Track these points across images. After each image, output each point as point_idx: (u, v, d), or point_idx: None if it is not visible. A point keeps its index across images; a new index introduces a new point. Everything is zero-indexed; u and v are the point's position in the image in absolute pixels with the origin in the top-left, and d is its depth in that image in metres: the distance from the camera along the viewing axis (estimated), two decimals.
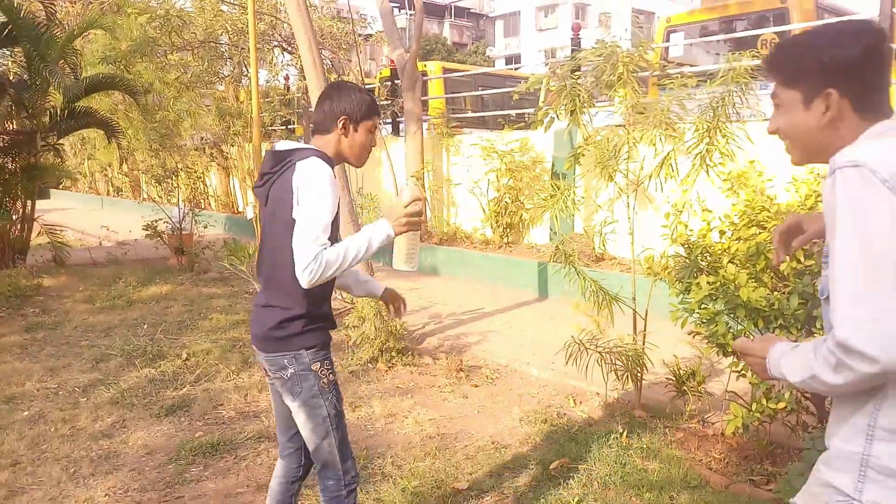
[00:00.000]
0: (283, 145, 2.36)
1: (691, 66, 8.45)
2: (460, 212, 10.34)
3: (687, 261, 3.48)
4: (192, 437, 4.07)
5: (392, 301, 2.83)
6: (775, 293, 3.07)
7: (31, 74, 9.07)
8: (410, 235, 2.43)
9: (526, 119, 10.74)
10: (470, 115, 12.86)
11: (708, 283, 3.13)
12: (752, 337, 3.23)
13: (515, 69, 25.10)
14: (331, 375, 2.37)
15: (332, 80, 9.86)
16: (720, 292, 3.09)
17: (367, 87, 11.87)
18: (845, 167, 1.32)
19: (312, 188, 2.19)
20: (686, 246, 3.59)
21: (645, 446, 3.86)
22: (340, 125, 2.35)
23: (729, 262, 3.34)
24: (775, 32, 8.36)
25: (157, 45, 10.16)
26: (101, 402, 4.61)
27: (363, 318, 5.46)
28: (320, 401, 2.33)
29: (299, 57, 11.59)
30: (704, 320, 3.31)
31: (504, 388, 4.97)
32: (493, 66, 36.90)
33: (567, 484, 3.49)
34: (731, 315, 3.16)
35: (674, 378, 4.27)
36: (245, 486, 3.54)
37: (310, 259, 2.10)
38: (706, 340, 3.34)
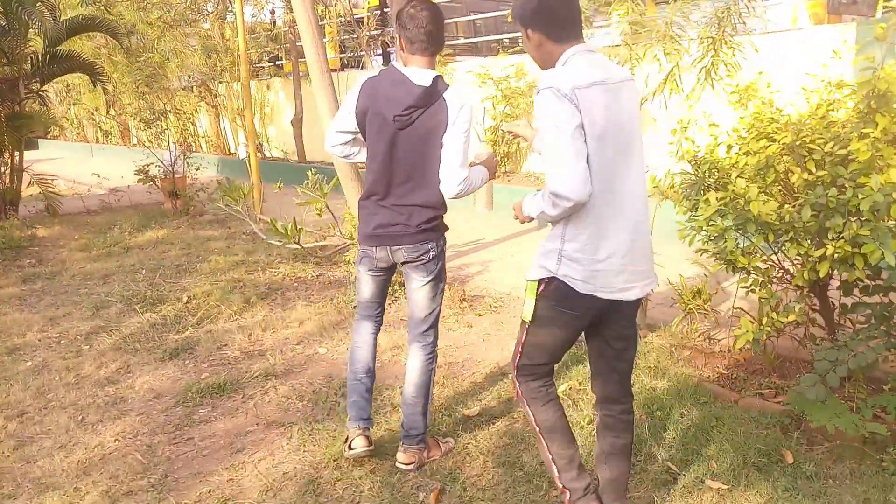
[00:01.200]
0: (416, 76, 2.80)
1: None
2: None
3: (694, 178, 3.38)
4: (199, 379, 4.05)
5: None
6: (786, 206, 2.98)
7: (9, 19, 8.75)
8: (489, 185, 3.05)
9: (520, 43, 10.44)
10: (462, 41, 12.51)
11: (717, 198, 3.03)
12: (753, 251, 3.17)
13: None
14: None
15: (318, 11, 9.51)
16: (729, 208, 3.00)
17: (355, 17, 11.54)
18: (543, 89, 2.14)
19: (461, 118, 2.78)
20: (693, 162, 3.49)
21: (653, 365, 3.84)
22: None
23: (738, 176, 3.24)
24: None
25: None
26: (104, 348, 4.58)
27: None
28: (444, 275, 3.06)
29: None
30: (712, 237, 3.23)
31: (508, 316, 4.94)
32: None
33: (577, 406, 3.48)
34: (741, 230, 3.08)
35: (680, 297, 4.23)
36: (255, 423, 3.53)
37: (462, 178, 2.77)
38: (714, 258, 3.27)
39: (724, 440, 3.04)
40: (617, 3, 4.10)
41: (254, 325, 4.85)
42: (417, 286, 2.99)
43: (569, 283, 2.25)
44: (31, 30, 9.00)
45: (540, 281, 2.32)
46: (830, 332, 3.45)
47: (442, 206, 2.93)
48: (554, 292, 2.30)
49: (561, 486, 2.49)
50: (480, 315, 4.96)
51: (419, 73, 2.80)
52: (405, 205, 2.89)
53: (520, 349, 2.48)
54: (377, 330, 3.28)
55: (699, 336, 4.17)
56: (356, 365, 3.20)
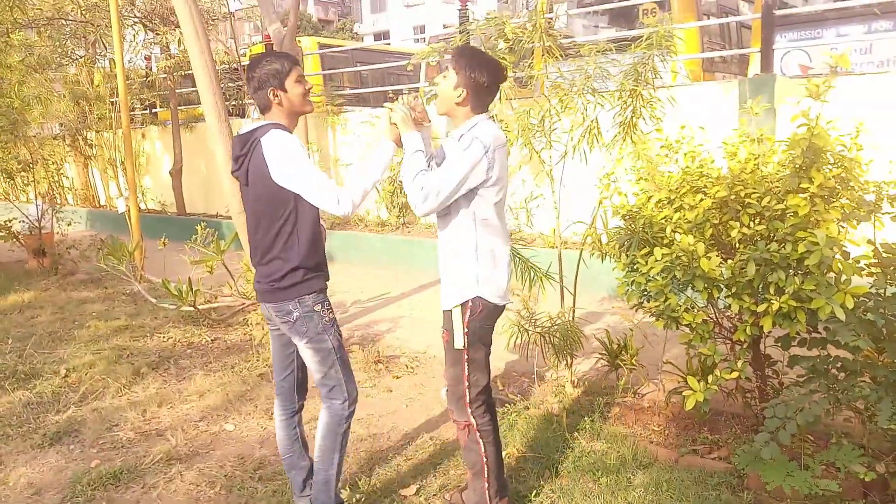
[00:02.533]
0: (245, 128, 2.70)
1: (570, 38, 8.43)
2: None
3: (630, 233, 3.33)
4: (88, 468, 3.53)
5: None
6: (728, 261, 2.97)
7: None
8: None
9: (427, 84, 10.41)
10: (350, 91, 12.37)
11: (662, 255, 2.98)
12: (692, 307, 3.14)
13: (388, 45, 24.62)
14: (331, 314, 2.77)
15: None
16: (675, 264, 2.95)
17: (241, 64, 11.15)
18: (475, 139, 2.54)
19: (288, 157, 2.55)
20: (626, 217, 3.44)
21: (587, 427, 3.72)
22: (272, 96, 2.67)
23: (673, 231, 3.21)
24: (654, 2, 8.49)
25: None
26: None
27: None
28: (325, 336, 2.72)
29: (162, 35, 10.71)
30: (652, 294, 3.17)
31: (427, 377, 4.71)
32: (363, 42, 36.11)
33: (519, 476, 3.28)
34: (683, 287, 3.04)
35: (606, 352, 4.17)
36: None
37: (334, 198, 2.53)
38: (654, 315, 3.21)
39: None
40: (537, 57, 4.08)
41: (147, 400, 4.34)
42: (301, 349, 2.78)
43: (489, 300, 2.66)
44: None
45: (463, 304, 2.66)
46: (762, 385, 3.46)
47: (295, 259, 2.67)
48: (482, 314, 2.68)
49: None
50: (398, 377, 4.69)
51: (247, 125, 2.73)
52: (263, 261, 2.73)
53: (466, 383, 2.72)
54: (290, 410, 3.01)
55: (627, 393, 4.10)
56: (279, 446, 3.05)
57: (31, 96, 11.13)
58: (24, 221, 8.55)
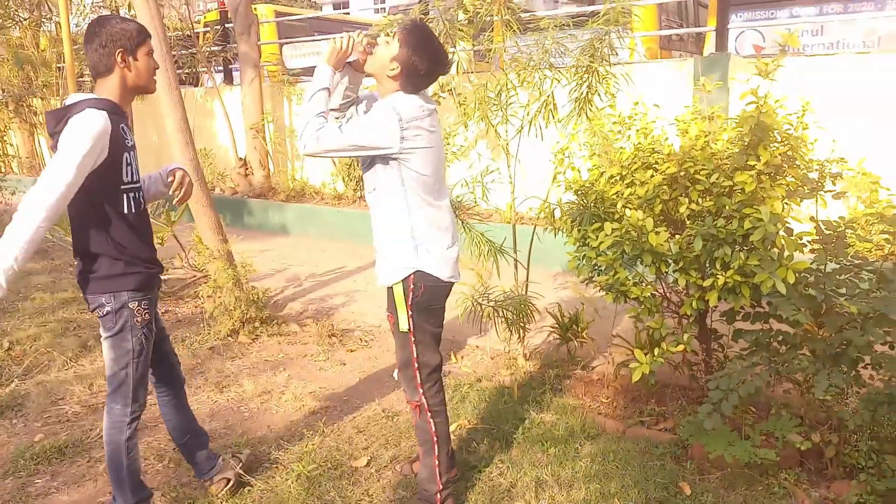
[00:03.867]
0: (68, 100, 2.43)
1: (530, 12, 8.40)
2: (307, 166, 9.78)
3: (582, 208, 3.35)
4: (32, 442, 3.45)
5: (177, 181, 2.78)
6: (676, 237, 3.01)
7: None
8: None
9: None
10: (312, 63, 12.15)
11: (612, 229, 3.01)
12: (641, 282, 3.19)
13: (346, 14, 24.25)
14: (146, 315, 2.58)
15: None
16: (625, 239, 2.98)
17: (196, 31, 10.86)
18: (390, 105, 2.48)
19: (64, 146, 2.27)
20: (579, 192, 3.47)
21: (537, 399, 3.77)
22: (120, 59, 2.44)
23: (623, 206, 3.25)
24: None
25: None
26: None
27: (219, 287, 4.93)
28: (128, 335, 2.54)
29: None
30: (602, 268, 3.21)
31: (381, 350, 4.71)
32: (321, 11, 35.44)
33: (470, 447, 3.32)
34: (636, 261, 3.08)
35: (558, 326, 4.22)
36: (106, 492, 3.04)
37: (32, 197, 2.22)
38: (604, 289, 3.25)
39: (623, 475, 3.00)
40: (496, 31, 4.06)
41: (94, 374, 4.26)
42: (103, 341, 2.58)
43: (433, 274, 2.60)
44: None
45: (405, 280, 2.60)
46: (707, 358, 3.54)
47: (108, 251, 2.46)
48: (424, 293, 2.62)
49: (441, 486, 2.79)
50: (352, 351, 4.69)
51: (72, 97, 2.47)
52: (77, 250, 2.52)
53: (416, 364, 2.70)
54: (168, 390, 2.92)
55: (577, 366, 4.17)
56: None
57: None
58: None
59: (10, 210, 8.35)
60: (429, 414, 2.75)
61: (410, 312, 2.62)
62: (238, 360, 4.51)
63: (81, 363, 4.44)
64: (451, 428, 3.44)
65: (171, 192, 2.78)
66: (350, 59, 2.56)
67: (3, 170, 12.05)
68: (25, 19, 11.74)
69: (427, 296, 2.62)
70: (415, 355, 2.68)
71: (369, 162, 2.57)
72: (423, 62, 2.48)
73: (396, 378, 3.26)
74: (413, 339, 2.66)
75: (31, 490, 3.08)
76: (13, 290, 6.10)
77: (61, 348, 4.61)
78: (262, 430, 3.59)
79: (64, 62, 8.73)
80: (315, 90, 2.49)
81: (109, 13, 10.89)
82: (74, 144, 2.27)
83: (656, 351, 3.05)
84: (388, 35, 2.59)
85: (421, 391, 2.72)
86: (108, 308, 2.50)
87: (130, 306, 2.52)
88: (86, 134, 2.29)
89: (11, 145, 12.96)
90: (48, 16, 11.93)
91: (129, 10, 9.90)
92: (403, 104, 2.47)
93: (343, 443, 3.40)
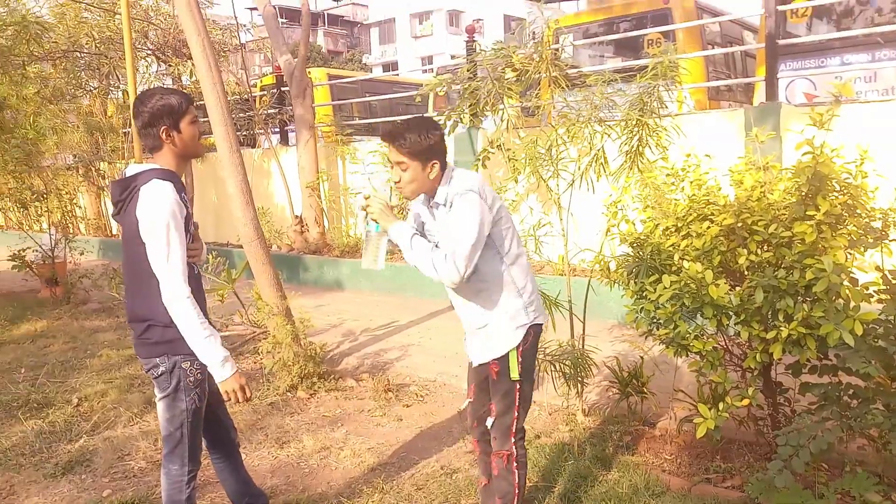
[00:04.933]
0: (130, 170, 2.55)
1: (578, 68, 8.52)
2: (360, 222, 9.96)
3: (638, 260, 3.35)
4: (100, 498, 3.54)
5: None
6: (736, 289, 2.98)
7: None
8: (378, 238, 2.72)
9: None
10: (359, 121, 12.51)
11: (671, 282, 3.00)
12: (702, 335, 3.14)
13: (396, 76, 24.95)
14: (198, 375, 2.62)
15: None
16: (684, 292, 2.96)
17: (253, 94, 11.30)
18: (467, 191, 2.53)
19: (154, 224, 2.41)
20: (634, 245, 3.46)
21: (598, 455, 3.71)
22: (164, 136, 2.53)
23: (681, 258, 3.24)
24: (660, 32, 8.59)
25: (12, 55, 9.16)
26: None
27: (278, 343, 5.03)
28: (182, 395, 2.59)
29: (174, 66, 10.88)
30: (661, 321, 3.18)
31: (437, 406, 4.71)
32: (371, 72, 36.55)
33: None
34: (693, 314, 3.05)
35: (617, 380, 4.17)
36: None
37: (178, 303, 2.44)
38: (664, 342, 3.21)
39: None
40: (544, 87, 4.14)
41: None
42: (158, 402, 2.67)
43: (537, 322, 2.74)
44: None
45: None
46: (774, 412, 3.45)
47: (164, 317, 2.51)
48: (532, 339, 2.73)
49: None
50: (408, 406, 4.70)
51: (132, 167, 2.58)
52: (133, 315, 2.62)
53: (516, 413, 2.72)
54: (221, 454, 3.00)
55: (638, 421, 4.09)
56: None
57: (46, 127, 11.30)
58: (37, 251, 8.64)
59: (79, 270, 8.71)
60: (514, 464, 2.76)
61: (520, 359, 2.68)
62: (297, 416, 4.56)
63: (146, 419, 4.55)
64: None
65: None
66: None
67: (72, 231, 12.59)
68: (95, 88, 12.41)
69: (534, 341, 2.75)
70: (517, 403, 2.71)
71: None
72: (433, 135, 2.55)
73: (468, 424, 3.13)
74: (518, 386, 2.70)
75: None
76: (81, 349, 6.33)
77: (127, 404, 4.74)
78: (322, 486, 3.60)
79: (130, 127, 9.17)
80: (409, 242, 2.59)
81: (159, 86, 11.46)
82: (162, 219, 2.41)
83: (720, 406, 2.98)
84: (395, 170, 2.59)
85: (513, 440, 2.74)
86: (161, 369, 2.57)
87: (183, 366, 2.58)
88: (166, 204, 2.43)
89: (80, 207, 13.57)
90: (116, 84, 12.59)
91: (191, 77, 10.39)
92: (465, 179, 2.58)
93: (402, 500, 3.39)
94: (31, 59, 10.25)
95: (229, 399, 2.58)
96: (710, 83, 8.81)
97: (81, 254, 9.18)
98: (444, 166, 2.62)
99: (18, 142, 9.44)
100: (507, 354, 2.67)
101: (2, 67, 9.63)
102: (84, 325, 7.29)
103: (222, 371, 2.52)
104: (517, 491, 2.77)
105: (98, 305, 8.08)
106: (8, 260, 8.62)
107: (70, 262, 9.08)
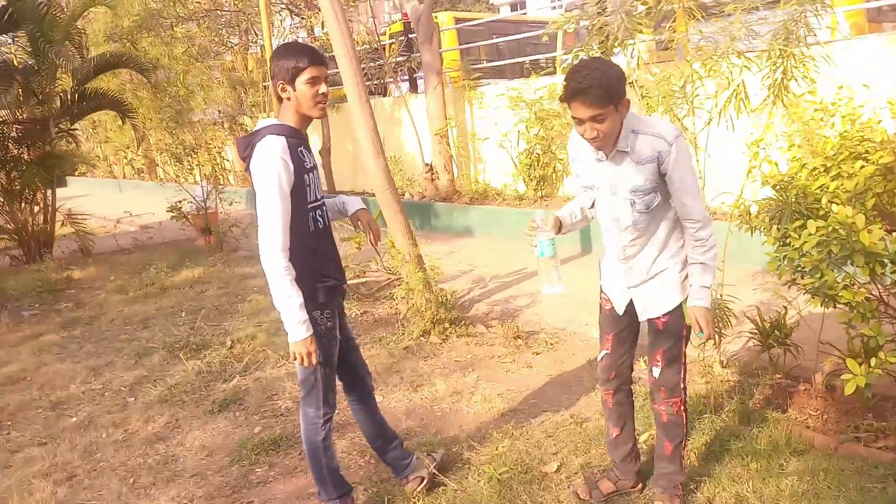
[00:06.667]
0: (258, 124, 2.64)
1: None
2: (488, 168, 9.96)
3: (781, 204, 3.12)
4: (252, 434, 3.85)
5: (364, 224, 3.00)
6: (893, 234, 2.72)
7: (38, 59, 8.75)
8: (549, 262, 2.84)
9: (543, 65, 10.25)
10: (486, 64, 12.36)
11: (817, 228, 2.78)
12: (852, 284, 2.91)
13: (524, 15, 24.31)
14: (328, 323, 2.74)
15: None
16: (832, 238, 2.74)
17: (382, 43, 11.42)
18: (678, 137, 2.45)
19: (260, 181, 2.51)
20: (778, 187, 3.23)
21: (735, 408, 3.57)
22: (282, 90, 2.60)
23: (829, 202, 2.99)
24: None
25: (161, 17, 9.75)
26: (150, 401, 4.40)
27: (412, 289, 5.17)
28: (320, 345, 2.67)
29: (307, 19, 11.18)
30: (807, 270, 2.97)
31: (567, 354, 4.70)
32: (499, 13, 35.87)
33: None
34: (841, 262, 2.82)
35: (758, 331, 3.96)
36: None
37: (268, 260, 2.53)
38: (810, 292, 3.00)
39: (837, 498, 2.76)
40: (679, 19, 3.89)
41: None
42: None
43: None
44: (59, 69, 8.99)
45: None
46: None
47: (296, 270, 2.59)
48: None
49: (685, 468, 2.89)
50: (538, 353, 4.71)
51: (261, 121, 2.66)
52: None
53: (684, 359, 2.75)
54: (356, 397, 3.12)
55: (780, 374, 3.88)
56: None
57: (195, 84, 12.03)
58: (191, 202, 9.31)
59: (229, 219, 9.31)
60: (684, 408, 2.79)
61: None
62: (430, 360, 4.71)
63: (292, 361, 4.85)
64: (643, 438, 3.36)
65: (364, 235, 3.05)
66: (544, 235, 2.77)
67: (222, 182, 13.45)
68: (235, 44, 13.01)
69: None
70: (684, 349, 2.73)
71: (658, 187, 2.53)
72: (619, 76, 2.38)
73: (603, 376, 2.97)
74: (685, 333, 2.69)
75: (252, 478, 3.43)
76: (233, 294, 6.81)
77: (274, 347, 5.08)
78: (454, 429, 3.72)
79: (269, 81, 9.57)
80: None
81: (295, 40, 11.79)
82: (266, 176, 2.50)
83: (873, 361, 2.78)
84: (599, 119, 2.36)
85: (682, 386, 2.76)
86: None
87: (314, 315, 2.66)
88: (273, 161, 2.50)
89: (228, 160, 14.43)
90: (254, 40, 13.13)
91: (322, 29, 10.64)
92: (658, 124, 2.51)
93: (532, 447, 3.44)
94: (178, 20, 10.86)
95: (295, 360, 2.64)
96: (869, 3, 7.92)
97: (231, 204, 9.79)
98: (629, 108, 2.46)
99: (171, 100, 10.11)
100: (680, 305, 2.62)
101: (153, 30, 10.29)
102: (235, 271, 7.83)
103: (296, 332, 2.57)
104: (686, 431, 2.82)
105: (248, 253, 8.64)
106: (167, 211, 9.35)
107: (221, 213, 9.72)
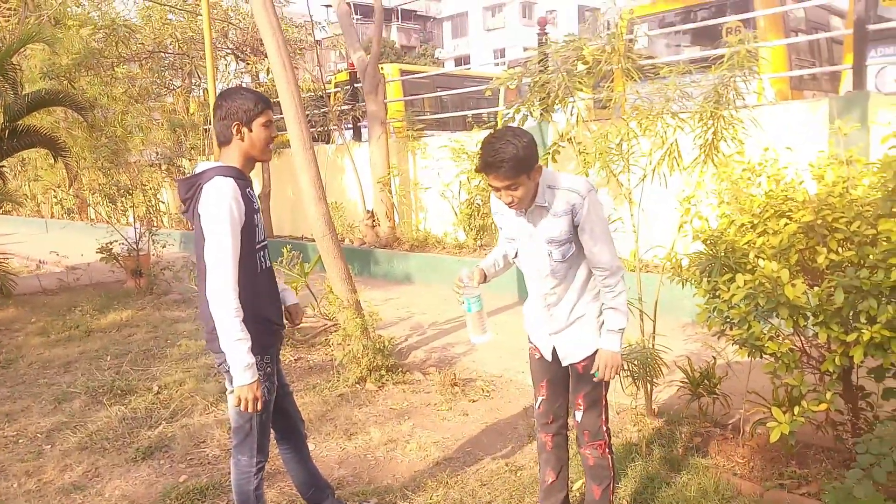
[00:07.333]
0: (197, 168, 2.61)
1: (652, 58, 8.30)
2: (430, 216, 10.04)
3: (711, 258, 3.24)
4: (177, 483, 3.69)
5: (294, 315, 3.04)
6: (815, 288, 2.85)
7: None
8: (477, 315, 2.88)
9: (485, 119, 10.47)
10: (430, 116, 12.57)
11: (745, 281, 2.89)
12: (777, 336, 3.02)
13: (468, 70, 24.92)
14: (268, 368, 2.69)
15: None
16: (759, 291, 2.85)
17: (326, 91, 11.51)
18: (591, 191, 2.58)
19: (211, 221, 2.47)
20: (707, 242, 3.36)
21: (666, 457, 3.62)
22: (236, 132, 2.59)
23: (756, 256, 3.12)
24: (739, 20, 8.28)
25: (102, 57, 9.60)
26: (68, 448, 4.18)
27: (349, 335, 5.11)
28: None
29: (252, 65, 11.19)
30: (735, 321, 3.08)
31: (503, 401, 4.69)
32: (444, 67, 36.77)
33: None
34: (767, 315, 2.94)
35: (688, 381, 4.05)
36: None
37: (219, 300, 2.44)
38: (737, 343, 3.10)
39: None
40: (617, 80, 4.06)
41: None
42: (228, 394, 2.73)
43: None
44: None
45: None
46: (854, 418, 3.29)
47: None
48: None
49: None
50: (474, 401, 4.70)
51: (200, 165, 2.64)
52: (204, 310, 2.60)
53: (604, 402, 2.81)
54: (289, 446, 3.08)
55: (709, 423, 3.97)
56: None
57: (133, 125, 11.81)
58: (123, 244, 9.05)
59: (161, 262, 9.08)
60: (608, 451, 2.84)
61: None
62: (365, 408, 4.63)
63: (221, 408, 4.71)
64: (576, 486, 3.37)
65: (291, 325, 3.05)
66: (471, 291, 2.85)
67: (155, 224, 13.15)
68: (178, 87, 12.89)
69: None
70: (605, 392, 2.80)
71: (572, 237, 2.62)
72: (531, 146, 2.50)
73: (541, 421, 3.02)
74: (605, 386, 2.79)
75: None
76: (162, 338, 6.60)
77: (203, 393, 4.92)
78: (387, 478, 3.65)
79: (210, 124, 9.50)
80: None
81: (240, 84, 11.79)
82: (219, 215, 2.46)
83: (796, 410, 2.87)
84: (511, 188, 2.52)
85: (605, 429, 2.81)
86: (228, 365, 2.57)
87: (255, 360, 2.57)
88: (224, 201, 2.47)
89: (163, 202, 14.14)
90: (197, 83, 13.04)
91: (268, 75, 10.67)
92: (573, 180, 2.61)
93: (467, 496, 3.40)
94: (119, 60, 10.71)
95: (239, 404, 2.53)
96: (793, 72, 8.43)
97: (164, 246, 9.56)
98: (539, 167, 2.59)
99: (107, 140, 9.89)
100: (597, 350, 2.70)
101: (93, 69, 10.12)
102: (165, 315, 7.60)
103: (243, 376, 2.47)
104: (613, 474, 2.85)
105: (178, 296, 8.41)
106: (97, 252, 9.06)
107: (153, 255, 9.47)
